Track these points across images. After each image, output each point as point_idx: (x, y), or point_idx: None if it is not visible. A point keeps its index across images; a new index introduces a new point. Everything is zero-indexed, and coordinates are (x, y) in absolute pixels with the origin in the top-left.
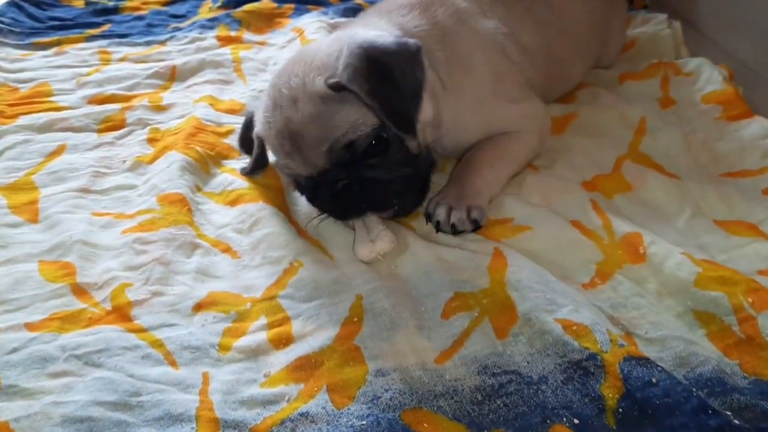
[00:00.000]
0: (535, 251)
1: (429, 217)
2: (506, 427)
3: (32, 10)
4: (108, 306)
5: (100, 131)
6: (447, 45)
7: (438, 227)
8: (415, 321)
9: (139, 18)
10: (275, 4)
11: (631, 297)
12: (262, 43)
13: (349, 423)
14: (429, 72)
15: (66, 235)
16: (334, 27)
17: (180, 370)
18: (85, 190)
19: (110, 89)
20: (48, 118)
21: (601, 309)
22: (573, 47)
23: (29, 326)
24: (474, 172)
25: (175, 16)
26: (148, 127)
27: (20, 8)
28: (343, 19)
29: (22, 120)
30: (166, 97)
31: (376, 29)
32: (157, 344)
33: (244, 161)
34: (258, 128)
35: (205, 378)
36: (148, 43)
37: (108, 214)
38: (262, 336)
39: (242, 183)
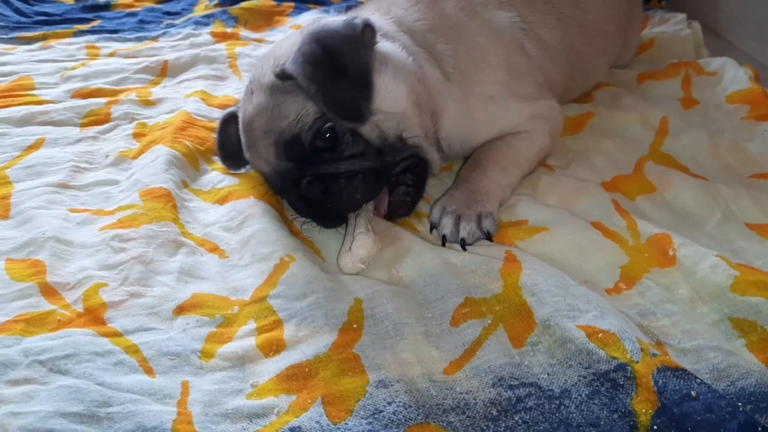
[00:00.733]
0: (552, 254)
1: (433, 226)
2: None
3: (19, 4)
4: (80, 308)
5: (82, 125)
6: (454, 38)
7: (444, 241)
8: (422, 328)
9: (132, 14)
10: (274, 2)
11: (661, 303)
12: (259, 41)
13: None
14: (400, 53)
15: (38, 232)
16: None
17: (156, 379)
18: (62, 186)
19: (96, 83)
20: (27, 111)
21: (628, 316)
22: (596, 44)
23: None
24: (483, 174)
25: (169, 13)
26: (135, 122)
27: (6, 2)
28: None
29: (0, 113)
30: (156, 92)
31: None
32: (132, 350)
33: None
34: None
35: (185, 387)
36: (139, 39)
37: (86, 210)
38: (251, 342)
39: (232, 180)
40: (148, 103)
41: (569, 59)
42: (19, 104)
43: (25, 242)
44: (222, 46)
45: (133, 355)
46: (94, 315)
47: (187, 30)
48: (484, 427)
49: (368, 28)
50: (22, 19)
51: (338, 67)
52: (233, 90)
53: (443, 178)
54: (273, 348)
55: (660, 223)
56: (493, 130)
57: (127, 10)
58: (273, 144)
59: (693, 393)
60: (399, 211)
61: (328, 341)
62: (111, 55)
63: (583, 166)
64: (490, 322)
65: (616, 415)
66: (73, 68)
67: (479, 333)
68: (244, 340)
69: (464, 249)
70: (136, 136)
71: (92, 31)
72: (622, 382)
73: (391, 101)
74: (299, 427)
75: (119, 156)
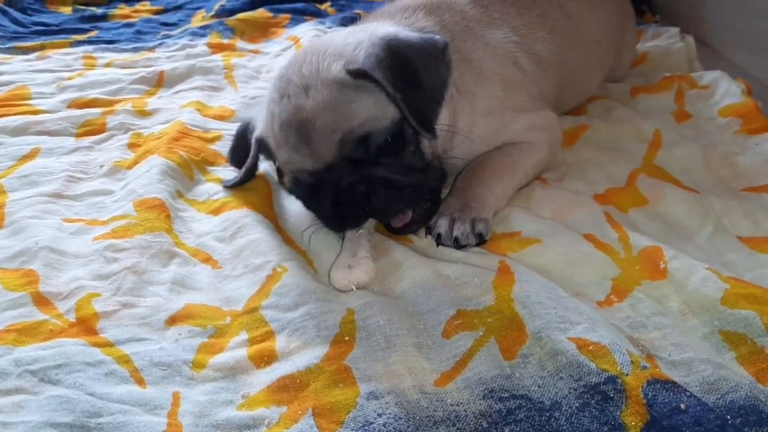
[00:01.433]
0: (545, 266)
1: (429, 230)
2: None
3: (17, 14)
4: (72, 317)
5: (78, 135)
6: (455, 49)
7: (439, 240)
8: (413, 339)
9: (129, 25)
10: (271, 14)
11: (651, 316)
12: (255, 52)
13: None
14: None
15: (31, 241)
16: None
17: (147, 389)
18: (56, 195)
19: (92, 93)
20: (23, 120)
21: (619, 329)
22: (589, 55)
23: None
24: (479, 182)
25: (166, 24)
26: (130, 132)
27: (4, 13)
28: (340, 28)
29: None
30: (152, 102)
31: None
32: (124, 360)
33: (229, 171)
34: (258, 130)
35: (176, 398)
36: (136, 50)
37: (80, 220)
38: (242, 353)
39: (228, 192)
40: (143, 114)
41: (562, 71)
42: (15, 114)
43: (18, 252)
44: (218, 57)
45: (124, 365)
46: (86, 325)
47: (184, 41)
48: None
49: (447, 47)
50: (20, 29)
51: (416, 78)
52: (229, 101)
53: None
54: (264, 359)
55: (652, 235)
56: (492, 143)
57: (125, 21)
58: (338, 141)
59: (682, 406)
60: (414, 227)
61: (320, 353)
62: (107, 65)
63: (577, 179)
64: (481, 334)
65: (606, 428)
66: (70, 78)
67: (470, 345)
68: (235, 350)
69: (457, 248)
70: (131, 146)
71: (89, 42)
72: (612, 395)
73: (443, 118)
74: None
75: (114, 166)
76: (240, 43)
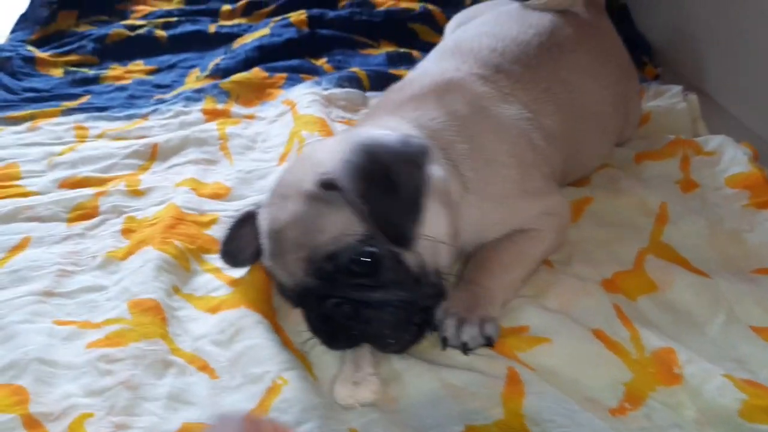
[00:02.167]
0: (554, 368)
1: (434, 326)
2: None
3: (7, 80)
4: None
5: (69, 221)
6: (468, 136)
7: (446, 343)
8: None
9: (121, 89)
10: (266, 74)
11: (668, 427)
12: (250, 117)
13: None
14: (444, 176)
15: (21, 352)
16: (328, 100)
17: None
18: (47, 294)
19: (84, 171)
20: (13, 206)
21: None
22: (595, 126)
23: None
24: (488, 276)
25: (159, 86)
26: (123, 216)
27: None
28: (337, 90)
29: None
30: (145, 179)
31: (386, 129)
32: None
33: None
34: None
35: None
36: (128, 117)
37: (72, 322)
38: None
39: (227, 290)
40: (136, 193)
41: (570, 144)
42: (5, 197)
43: (8, 364)
44: (213, 125)
45: None
46: None
47: (178, 107)
48: None
49: (425, 149)
50: (9, 96)
51: (391, 185)
52: (224, 176)
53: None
54: None
55: (662, 327)
56: (504, 230)
57: (117, 84)
58: (304, 259)
59: None
60: (401, 350)
61: None
62: (99, 136)
63: (584, 262)
64: None
65: None
66: (61, 153)
67: None
68: None
69: (465, 353)
70: (125, 232)
71: (81, 109)
72: None
73: (435, 225)
74: None
75: (107, 257)
76: (235, 108)
